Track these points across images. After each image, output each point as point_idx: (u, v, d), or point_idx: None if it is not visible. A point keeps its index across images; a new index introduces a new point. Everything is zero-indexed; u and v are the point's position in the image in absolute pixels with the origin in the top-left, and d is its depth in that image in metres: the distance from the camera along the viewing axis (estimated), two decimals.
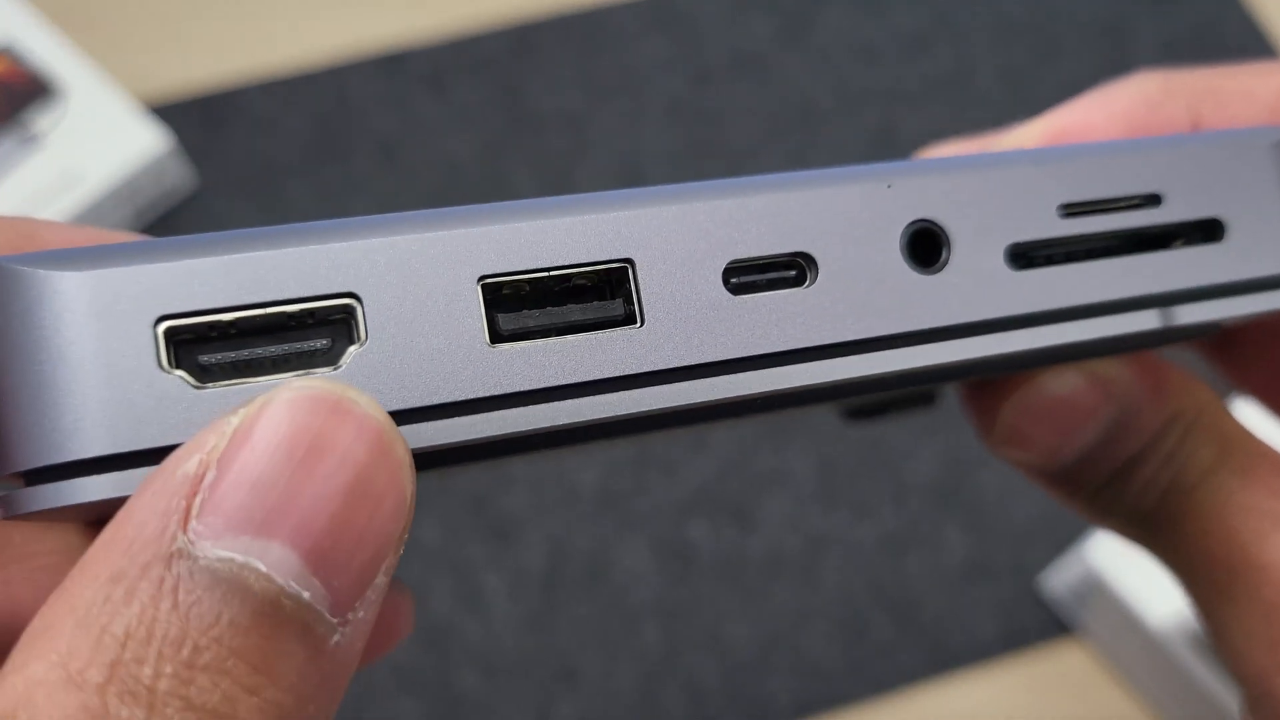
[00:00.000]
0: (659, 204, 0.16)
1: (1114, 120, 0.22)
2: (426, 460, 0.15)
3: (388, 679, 0.44)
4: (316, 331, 0.15)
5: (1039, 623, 0.46)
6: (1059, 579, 0.45)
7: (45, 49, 0.50)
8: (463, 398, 0.15)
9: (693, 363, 0.16)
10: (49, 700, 0.12)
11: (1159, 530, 0.22)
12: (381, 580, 0.13)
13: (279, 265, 0.14)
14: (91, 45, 0.52)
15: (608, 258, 0.16)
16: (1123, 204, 0.18)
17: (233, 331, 0.14)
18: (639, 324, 0.16)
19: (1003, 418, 0.22)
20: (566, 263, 0.15)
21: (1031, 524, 0.47)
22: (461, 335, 0.15)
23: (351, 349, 0.15)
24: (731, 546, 0.47)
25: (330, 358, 0.15)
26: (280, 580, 0.12)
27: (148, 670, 0.12)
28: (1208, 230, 0.19)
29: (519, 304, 0.15)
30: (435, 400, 0.15)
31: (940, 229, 0.17)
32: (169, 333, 0.14)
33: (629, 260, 0.16)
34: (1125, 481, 0.22)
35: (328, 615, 0.13)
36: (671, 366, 0.16)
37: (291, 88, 0.54)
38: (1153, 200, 0.18)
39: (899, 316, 0.17)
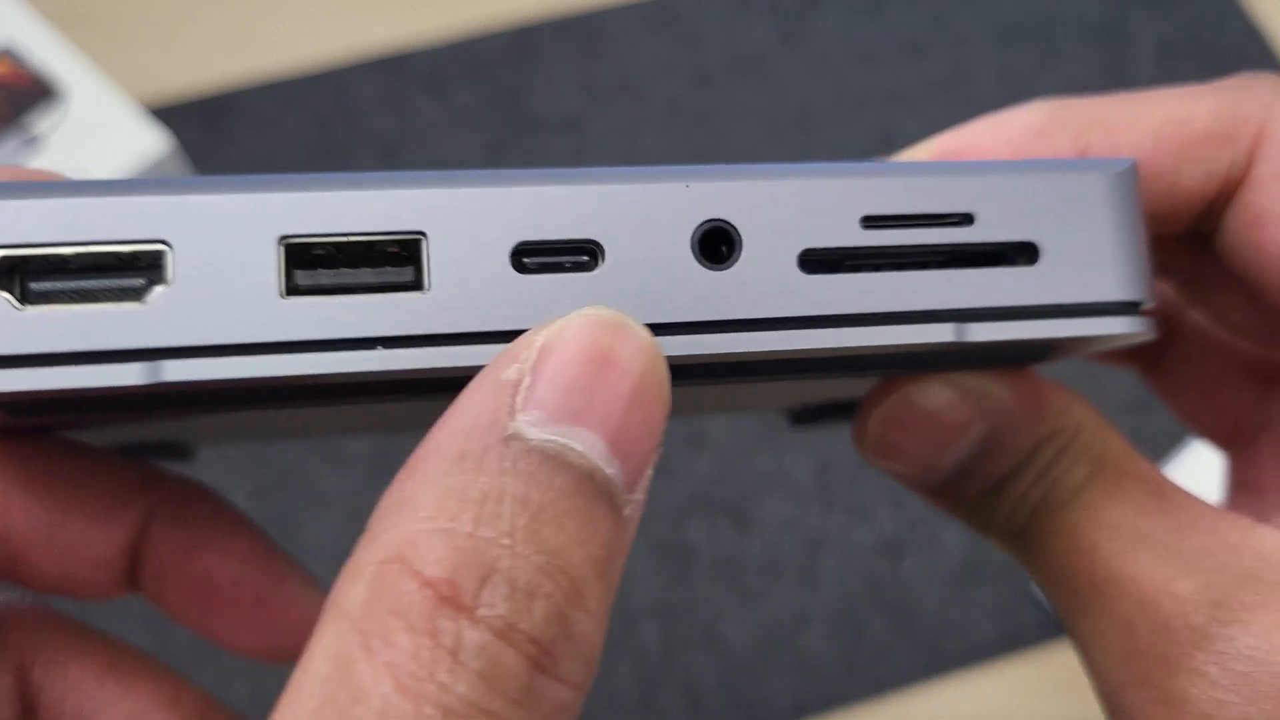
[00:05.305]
0: (457, 185, 0.17)
1: (1001, 145, 0.22)
2: (228, 398, 0.17)
3: None
4: (137, 272, 0.16)
5: (1036, 624, 0.46)
6: None
7: (46, 51, 0.50)
8: (250, 340, 0.16)
9: (468, 330, 0.17)
10: (429, 542, 0.15)
11: (1029, 547, 0.22)
12: (650, 472, 0.16)
13: (102, 211, 0.16)
14: (92, 46, 0.52)
15: (401, 229, 0.17)
16: (930, 220, 0.19)
17: (70, 266, 0.16)
18: (424, 290, 0.17)
19: (870, 425, 0.22)
20: (362, 230, 0.17)
21: None
22: (257, 286, 0.16)
23: (158, 288, 0.16)
24: (730, 548, 0.47)
25: (141, 294, 0.16)
26: (592, 458, 0.15)
27: (505, 521, 0.15)
28: (1025, 253, 0.19)
29: (320, 265, 0.17)
30: (224, 340, 0.16)
31: (732, 229, 0.18)
32: None
33: (421, 233, 0.17)
34: (999, 498, 0.22)
35: (623, 491, 0.16)
36: (448, 331, 0.17)
37: (292, 89, 0.54)
38: (965, 220, 0.19)
39: (679, 307, 0.18)
